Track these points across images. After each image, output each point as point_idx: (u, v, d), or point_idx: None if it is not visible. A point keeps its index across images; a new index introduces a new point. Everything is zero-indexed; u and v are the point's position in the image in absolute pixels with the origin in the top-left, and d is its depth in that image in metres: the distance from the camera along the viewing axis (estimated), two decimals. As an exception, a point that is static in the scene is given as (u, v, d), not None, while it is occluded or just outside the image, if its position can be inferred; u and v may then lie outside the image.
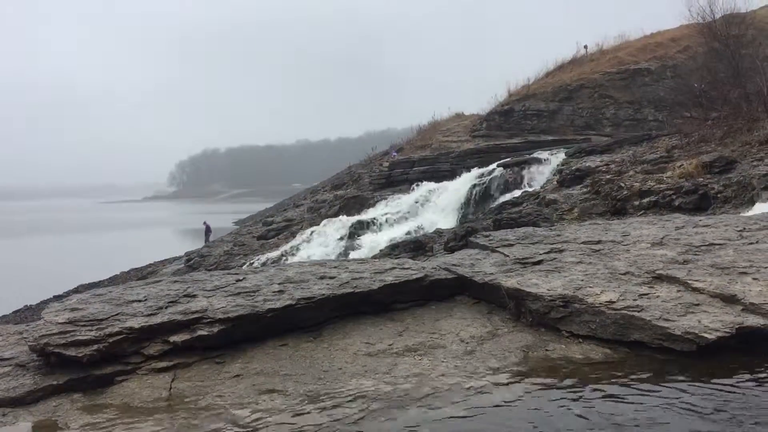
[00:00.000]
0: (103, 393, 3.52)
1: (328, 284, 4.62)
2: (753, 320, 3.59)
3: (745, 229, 5.57)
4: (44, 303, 21.84)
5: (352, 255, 22.48)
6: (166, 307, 4.15)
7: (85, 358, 3.60)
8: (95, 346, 3.66)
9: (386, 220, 26.03)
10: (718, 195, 14.19)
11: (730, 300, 3.86)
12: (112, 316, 3.99)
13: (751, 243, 5.05)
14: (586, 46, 38.69)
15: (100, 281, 29.20)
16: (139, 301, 4.27)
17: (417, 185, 28.93)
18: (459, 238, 16.30)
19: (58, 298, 20.02)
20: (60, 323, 3.85)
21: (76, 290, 24.13)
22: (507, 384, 3.32)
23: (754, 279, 4.14)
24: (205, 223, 40.31)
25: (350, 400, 3.18)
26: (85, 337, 3.70)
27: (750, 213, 9.88)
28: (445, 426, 2.86)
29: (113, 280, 29.55)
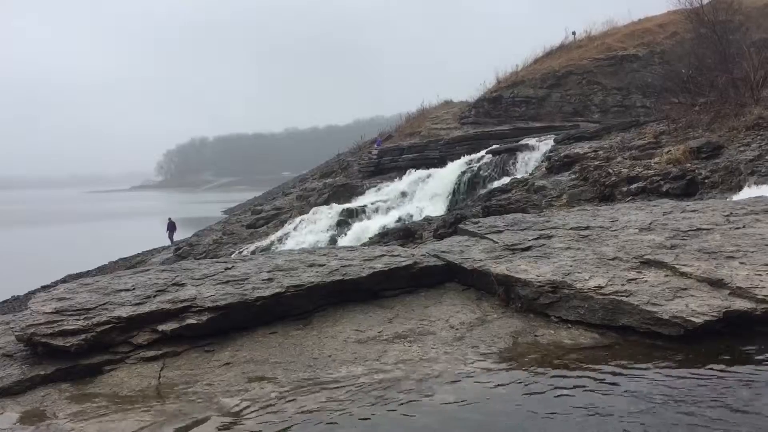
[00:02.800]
0: (91, 382, 3.50)
1: (317, 272, 4.61)
2: (740, 304, 3.61)
3: (732, 213, 5.60)
4: (32, 293, 21.70)
5: (342, 243, 22.47)
6: (155, 296, 4.13)
7: (73, 348, 3.58)
8: (83, 336, 3.64)
9: (376, 208, 26.02)
10: (706, 180, 14.27)
11: (717, 284, 3.89)
12: (100, 305, 3.96)
13: (738, 227, 5.08)
14: (574, 33, 38.71)
15: (88, 271, 29.04)
16: (127, 290, 4.25)
17: (406, 173, 28.92)
18: (448, 225, 16.35)
19: (45, 288, 19.90)
20: (47, 313, 3.82)
21: (64, 280, 23.96)
22: (496, 370, 3.33)
23: (741, 263, 4.17)
24: (169, 219, 39.30)
25: (340, 387, 3.18)
26: (72, 327, 3.68)
27: (737, 198, 9.95)
28: (434, 412, 2.87)
29: (101, 270, 29.39)
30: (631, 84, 32.75)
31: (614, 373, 3.17)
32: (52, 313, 3.83)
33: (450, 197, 24.96)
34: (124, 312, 3.88)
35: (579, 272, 4.25)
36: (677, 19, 29.83)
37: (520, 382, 3.14)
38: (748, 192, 11.47)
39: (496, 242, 5.27)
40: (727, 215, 5.55)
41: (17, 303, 24.06)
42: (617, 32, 37.30)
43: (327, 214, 26.02)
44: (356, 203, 27.55)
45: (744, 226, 5.10)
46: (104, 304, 3.99)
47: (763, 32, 25.40)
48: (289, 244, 23.62)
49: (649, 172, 15.72)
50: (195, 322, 3.90)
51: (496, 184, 22.84)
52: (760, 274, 3.94)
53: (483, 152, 26.40)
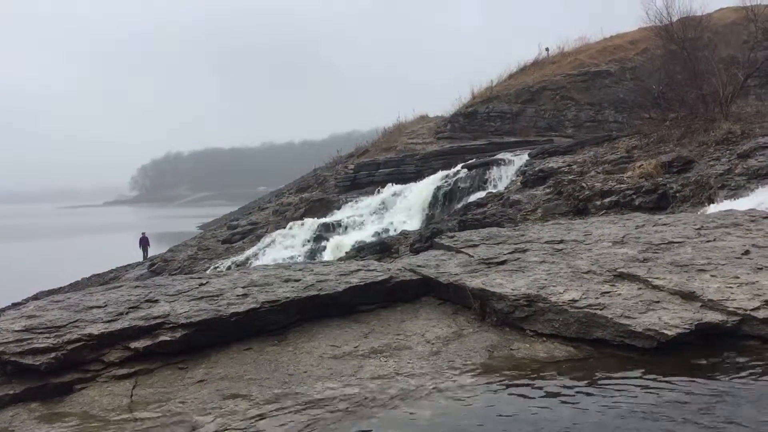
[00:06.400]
0: (61, 401, 3.44)
1: (292, 287, 4.58)
2: (711, 316, 3.66)
3: (702, 227, 5.69)
4: (1, 311, 21.28)
5: (318, 258, 22.39)
6: (127, 313, 4.07)
7: (43, 366, 3.51)
8: (53, 354, 3.57)
9: (352, 223, 25.98)
10: (677, 194, 14.49)
11: (689, 297, 3.94)
12: (71, 323, 3.90)
13: (709, 241, 5.15)
14: (547, 49, 39.15)
15: (60, 288, 28.54)
16: (99, 307, 4.18)
17: (382, 187, 28.94)
18: (424, 240, 16.36)
19: (16, 305, 19.52)
20: (16, 331, 3.75)
21: (35, 297, 23.54)
22: (472, 384, 3.33)
23: (712, 276, 4.23)
24: (143, 234, 38.29)
25: (316, 404, 3.16)
26: (42, 345, 3.61)
27: (708, 211, 10.10)
28: (410, 428, 2.86)
29: (74, 287, 28.90)
30: (603, 99, 33.18)
31: (588, 387, 3.18)
32: (21, 331, 3.75)
33: (426, 212, 25.00)
34: (95, 329, 3.81)
35: (554, 286, 4.28)
36: (648, 35, 30.29)
37: (495, 397, 3.14)
38: (719, 205, 11.65)
39: (472, 256, 5.29)
40: (698, 228, 5.63)
41: (-14, 321, 23.54)
42: (589, 48, 37.81)
43: (303, 229, 25.91)
44: (333, 218, 27.46)
45: (715, 240, 5.18)
46: (75, 321, 3.92)
47: (732, 49, 25.93)
48: (265, 260, 23.45)
49: (622, 186, 15.92)
50: (168, 338, 3.85)
51: (472, 198, 22.93)
52: (731, 287, 4.00)
53: (459, 167, 26.50)
